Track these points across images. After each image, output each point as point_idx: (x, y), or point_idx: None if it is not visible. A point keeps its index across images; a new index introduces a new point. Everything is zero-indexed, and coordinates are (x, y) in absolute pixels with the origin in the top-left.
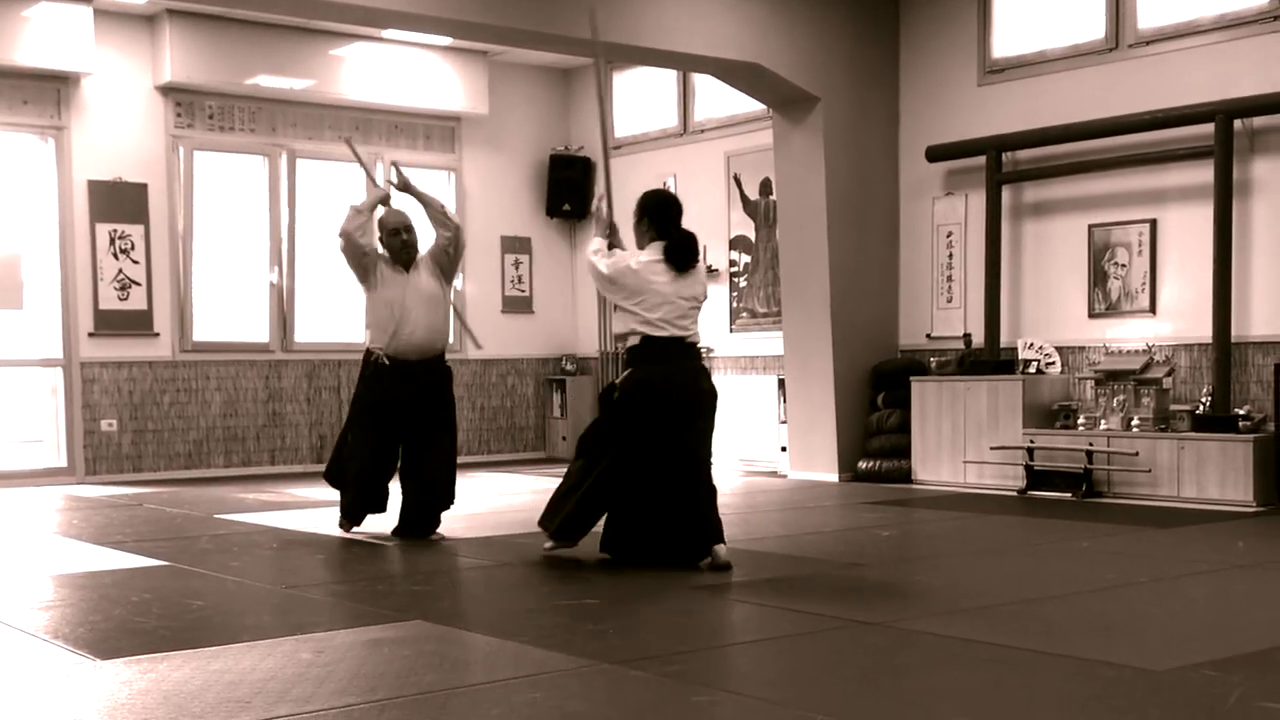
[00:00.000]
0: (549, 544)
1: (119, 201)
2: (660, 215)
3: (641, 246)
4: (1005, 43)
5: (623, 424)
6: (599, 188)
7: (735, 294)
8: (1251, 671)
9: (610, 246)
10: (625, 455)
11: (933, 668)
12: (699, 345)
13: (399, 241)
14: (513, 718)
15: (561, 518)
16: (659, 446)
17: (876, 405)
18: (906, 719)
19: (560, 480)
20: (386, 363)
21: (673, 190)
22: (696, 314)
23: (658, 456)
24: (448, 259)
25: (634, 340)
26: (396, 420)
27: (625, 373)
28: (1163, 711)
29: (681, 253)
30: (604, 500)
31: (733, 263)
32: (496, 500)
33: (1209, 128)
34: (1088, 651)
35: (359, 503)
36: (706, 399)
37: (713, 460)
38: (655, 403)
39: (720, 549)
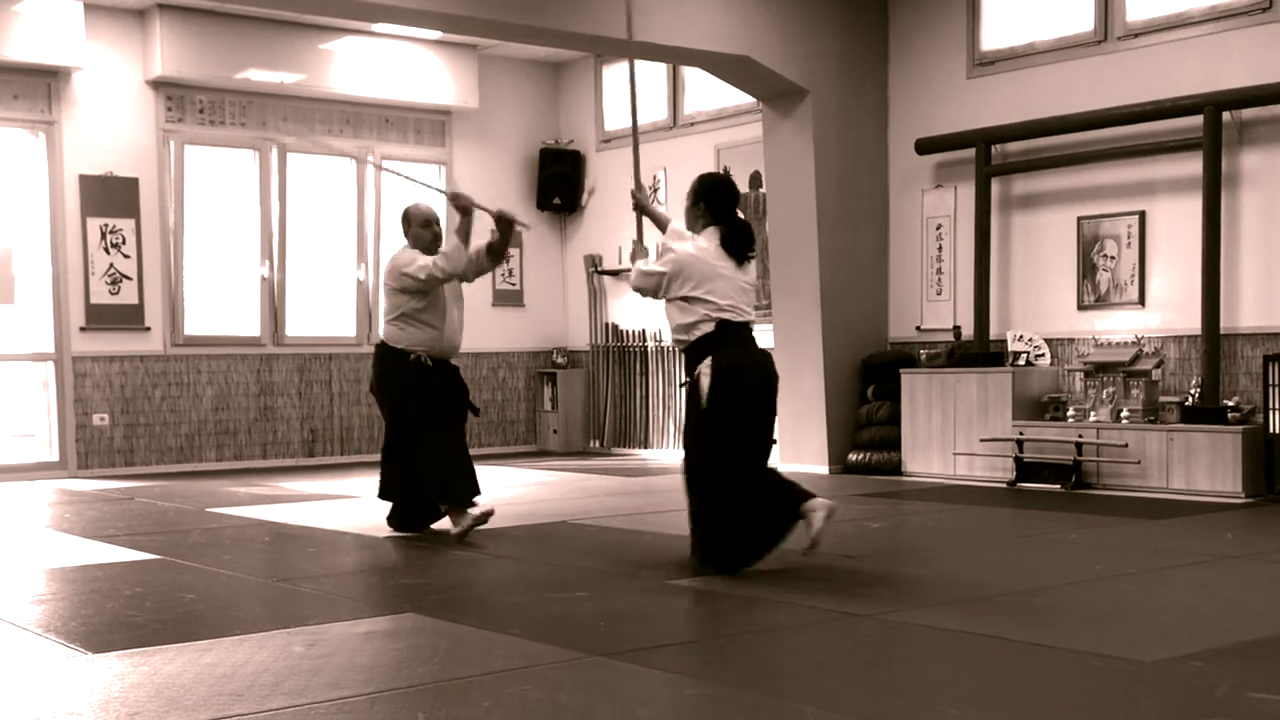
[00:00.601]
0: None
1: (110, 196)
2: (717, 200)
3: (695, 231)
4: (994, 35)
5: (726, 412)
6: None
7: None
8: (1240, 662)
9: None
10: (734, 445)
11: (923, 659)
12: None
13: (430, 234)
14: (504, 710)
15: (720, 548)
16: (755, 431)
17: (866, 397)
18: (897, 710)
19: (692, 512)
20: (430, 364)
21: (661, 184)
22: (753, 300)
23: (755, 442)
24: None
25: (707, 328)
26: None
27: (706, 362)
28: (1152, 702)
29: (739, 242)
30: (745, 506)
31: None
32: (488, 494)
33: (1198, 120)
34: (1077, 643)
35: (469, 487)
36: (775, 381)
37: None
38: (749, 385)
39: (816, 503)
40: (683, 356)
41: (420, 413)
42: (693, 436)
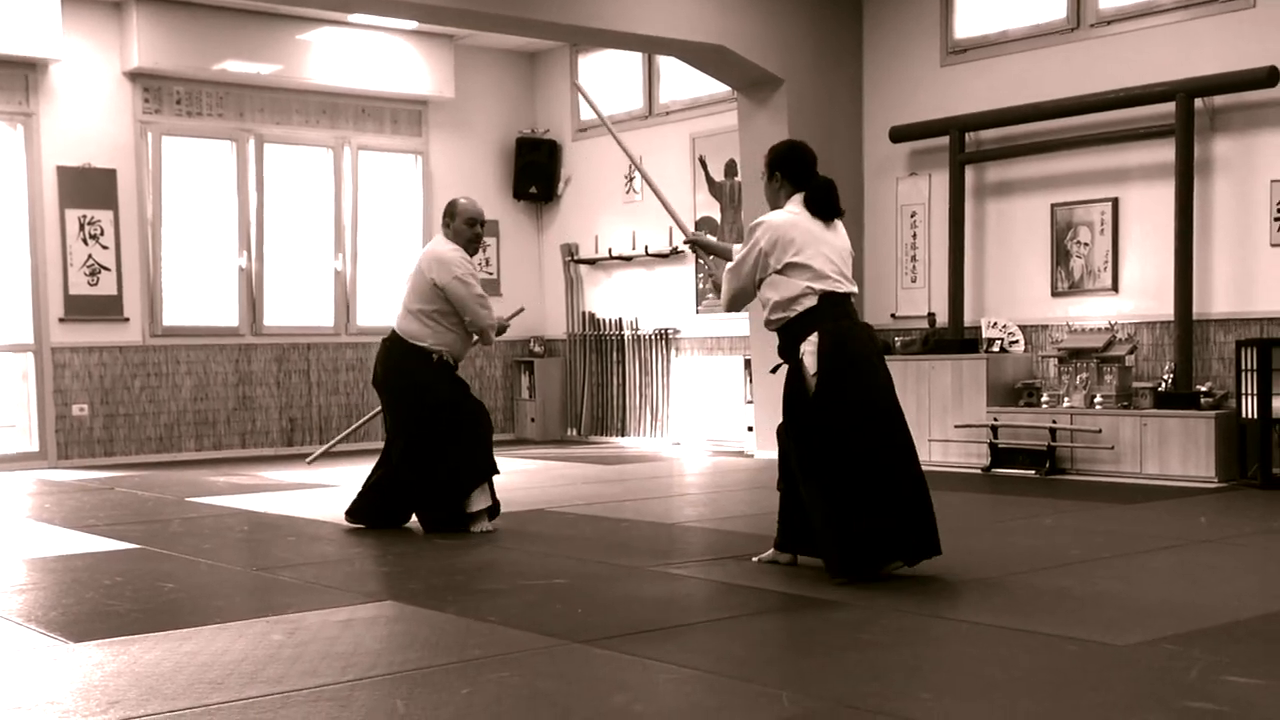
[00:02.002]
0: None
1: (88, 187)
2: (792, 165)
3: (778, 205)
4: (967, 23)
5: (839, 394)
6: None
7: (701, 275)
8: (1213, 645)
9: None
10: (854, 428)
11: (897, 644)
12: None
13: (472, 233)
14: (483, 696)
15: (841, 552)
16: (869, 412)
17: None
18: (871, 694)
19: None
20: (453, 363)
21: (636, 173)
22: (850, 266)
23: (871, 426)
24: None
25: (809, 301)
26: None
27: (810, 339)
28: (1126, 685)
29: (824, 199)
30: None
31: None
32: None
33: (1170, 107)
34: (1052, 627)
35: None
36: (883, 357)
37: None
38: (863, 357)
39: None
40: (776, 337)
41: (460, 413)
42: (798, 428)
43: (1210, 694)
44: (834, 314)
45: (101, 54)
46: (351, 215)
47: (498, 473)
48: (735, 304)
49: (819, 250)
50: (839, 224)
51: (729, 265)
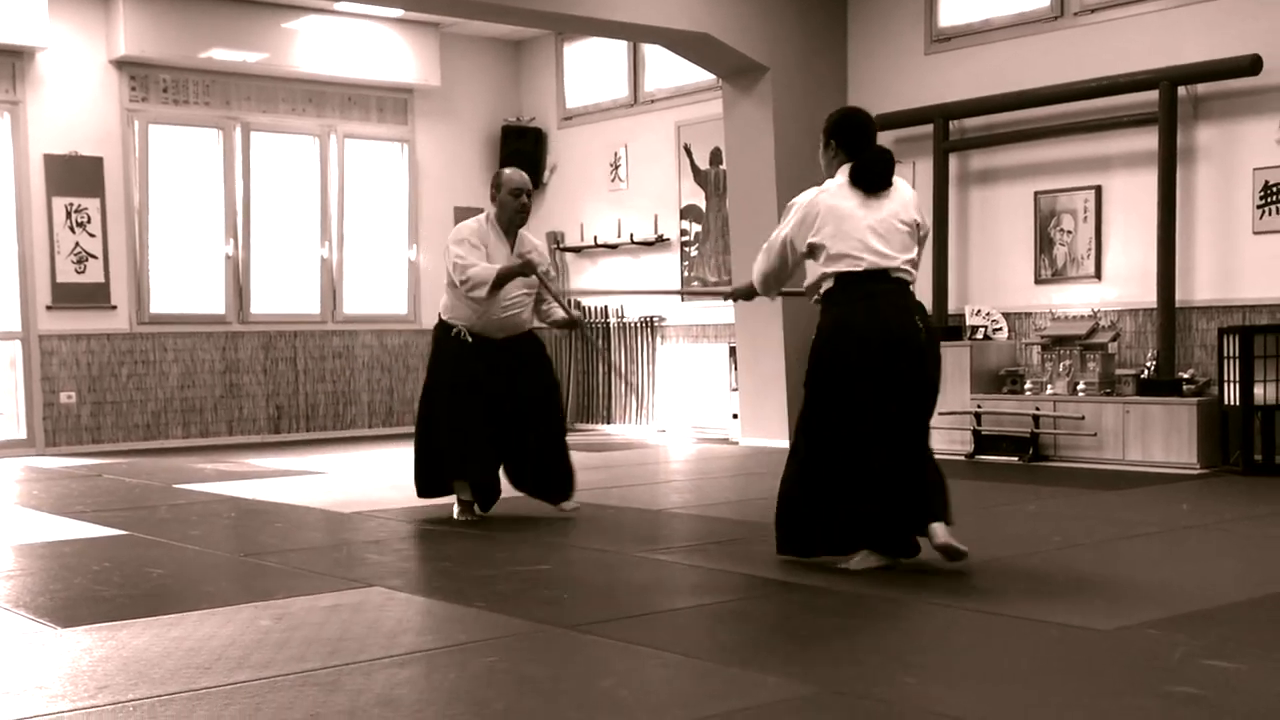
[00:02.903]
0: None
1: (75, 175)
2: (847, 133)
3: (831, 175)
4: (952, 11)
5: (824, 383)
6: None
7: (686, 263)
8: (1194, 630)
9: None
10: (837, 420)
11: (881, 629)
12: (909, 281)
13: (518, 204)
14: (469, 681)
15: (785, 529)
16: (865, 407)
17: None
18: (856, 678)
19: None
20: (469, 339)
21: (622, 161)
22: (905, 239)
23: (865, 420)
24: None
25: (827, 284)
26: (485, 398)
27: (819, 324)
28: (1109, 670)
29: (866, 172)
30: (822, 490)
31: (684, 232)
32: None
33: (1153, 95)
34: (1034, 612)
35: (460, 469)
36: (918, 342)
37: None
38: (855, 350)
39: (938, 528)
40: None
41: (442, 386)
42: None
43: (1192, 678)
44: (847, 296)
45: (88, 42)
46: (338, 203)
47: (456, 478)
48: (766, 286)
49: (841, 228)
50: (895, 191)
51: (764, 245)
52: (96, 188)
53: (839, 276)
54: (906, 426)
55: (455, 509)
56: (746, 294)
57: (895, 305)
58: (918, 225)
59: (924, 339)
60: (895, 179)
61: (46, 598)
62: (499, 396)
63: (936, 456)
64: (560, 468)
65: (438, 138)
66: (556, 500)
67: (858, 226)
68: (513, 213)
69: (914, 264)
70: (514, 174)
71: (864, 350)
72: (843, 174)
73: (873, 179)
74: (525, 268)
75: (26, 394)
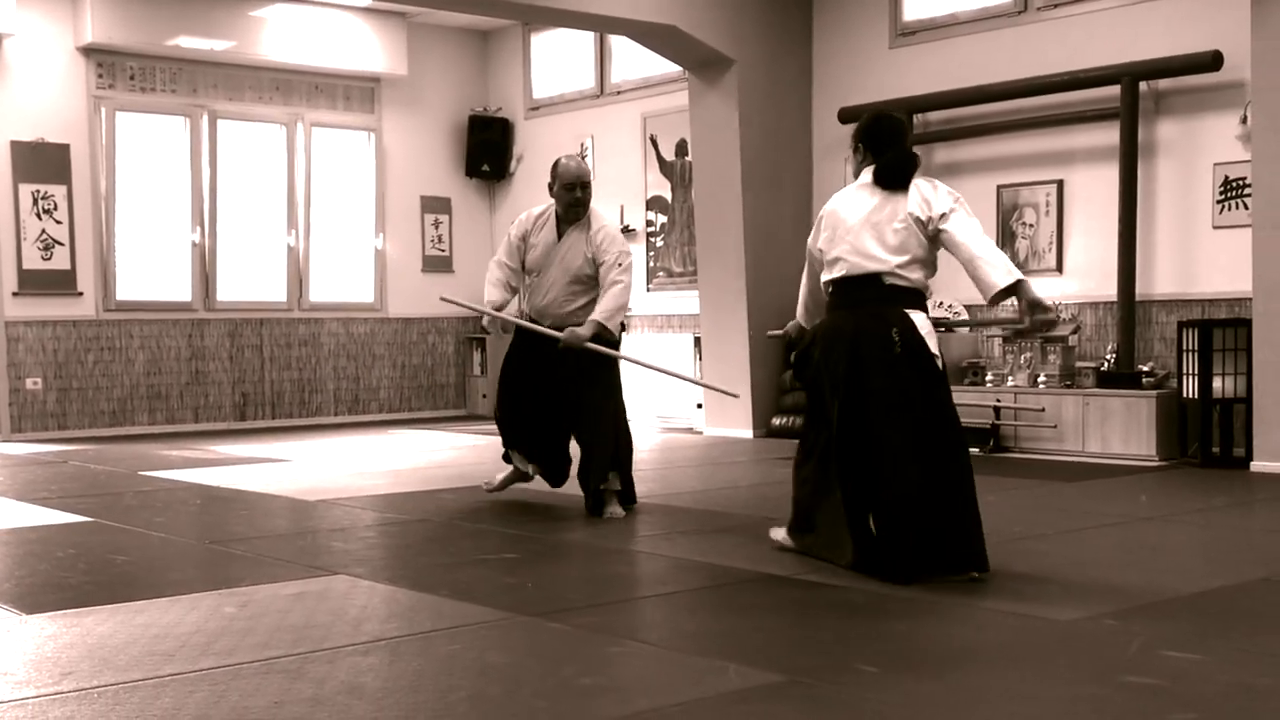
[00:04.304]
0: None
1: (41, 162)
2: (872, 136)
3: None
4: (916, 5)
5: (811, 396)
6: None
7: (652, 254)
8: (1152, 621)
9: None
10: (827, 427)
11: (843, 619)
12: (905, 286)
13: (573, 197)
14: (433, 669)
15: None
16: (853, 418)
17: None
18: (818, 667)
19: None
20: (503, 329)
21: (589, 151)
22: (904, 238)
23: (855, 431)
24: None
25: (828, 290)
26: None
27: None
28: (1066, 660)
29: (888, 170)
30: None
31: (649, 223)
32: (418, 457)
33: (1115, 90)
34: (994, 602)
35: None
36: (893, 348)
37: (949, 440)
38: (836, 364)
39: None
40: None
41: (503, 365)
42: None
43: (1149, 668)
44: (835, 304)
45: (55, 29)
46: (305, 191)
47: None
48: (805, 311)
49: (837, 232)
50: (917, 188)
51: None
52: (63, 175)
53: (833, 284)
54: (888, 443)
55: (499, 476)
56: (797, 332)
57: (871, 312)
58: (920, 220)
59: (897, 352)
60: (925, 180)
61: (11, 584)
62: (542, 385)
63: None
64: (587, 475)
65: (404, 127)
66: (589, 507)
67: (853, 229)
68: (566, 206)
69: (923, 265)
70: (570, 166)
71: (838, 359)
72: (867, 174)
73: (891, 176)
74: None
75: None
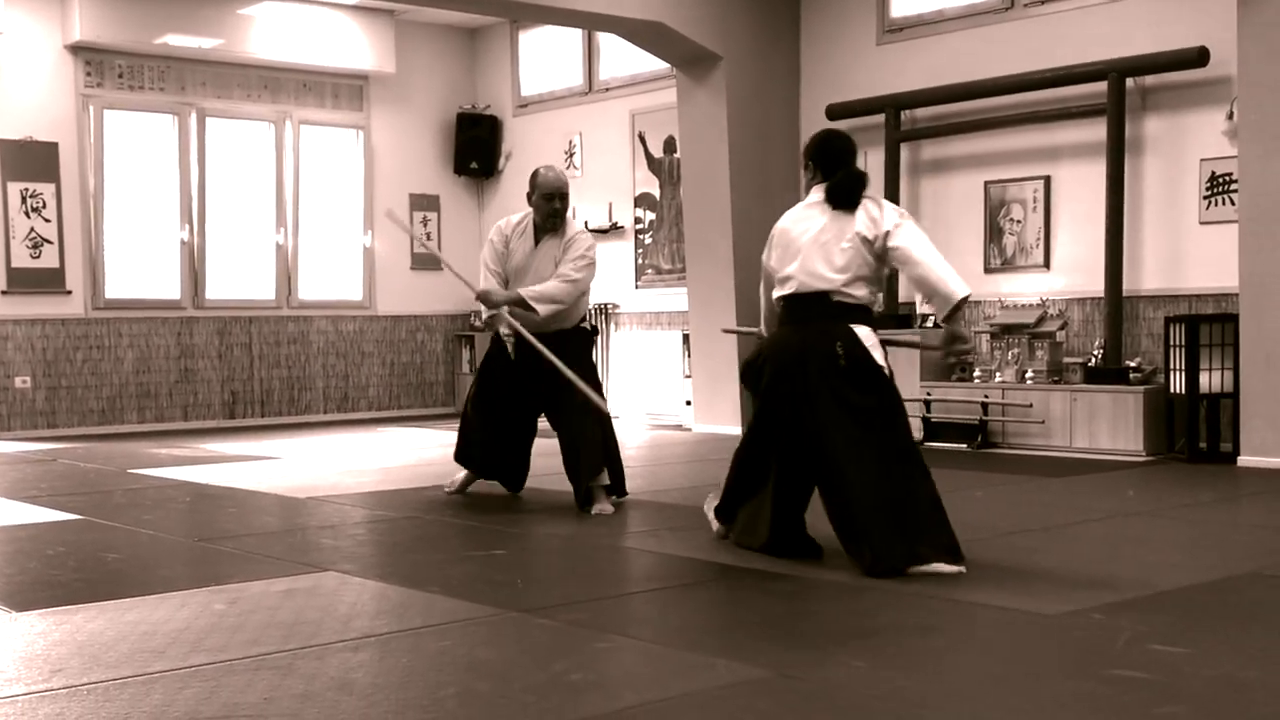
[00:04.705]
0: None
1: (30, 160)
2: (821, 155)
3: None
4: (903, 2)
5: (757, 404)
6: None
7: (640, 251)
8: (1140, 615)
9: None
10: (767, 446)
11: (830, 614)
12: (860, 303)
13: (551, 208)
14: (423, 665)
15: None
16: (799, 429)
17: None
18: (805, 662)
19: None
20: (503, 335)
21: (577, 149)
22: (849, 257)
23: (800, 441)
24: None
25: (779, 307)
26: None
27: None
28: (1054, 654)
29: (838, 191)
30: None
31: (638, 220)
32: (407, 454)
33: (1102, 86)
34: (982, 597)
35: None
36: (838, 361)
37: (900, 448)
38: (782, 378)
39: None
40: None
41: (480, 374)
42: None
43: (1136, 663)
44: (785, 319)
45: (43, 27)
46: (293, 189)
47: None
48: (764, 322)
49: (786, 251)
50: (865, 208)
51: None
52: (52, 173)
53: (782, 299)
54: (835, 451)
55: (454, 481)
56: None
57: (816, 329)
58: (867, 240)
59: (842, 365)
60: (872, 199)
61: (1, 582)
62: (521, 393)
63: None
64: (577, 471)
65: (393, 125)
66: (579, 502)
67: (803, 249)
68: (545, 215)
69: (869, 283)
70: (549, 177)
71: (777, 376)
72: (817, 193)
73: (840, 196)
74: (482, 296)
75: None
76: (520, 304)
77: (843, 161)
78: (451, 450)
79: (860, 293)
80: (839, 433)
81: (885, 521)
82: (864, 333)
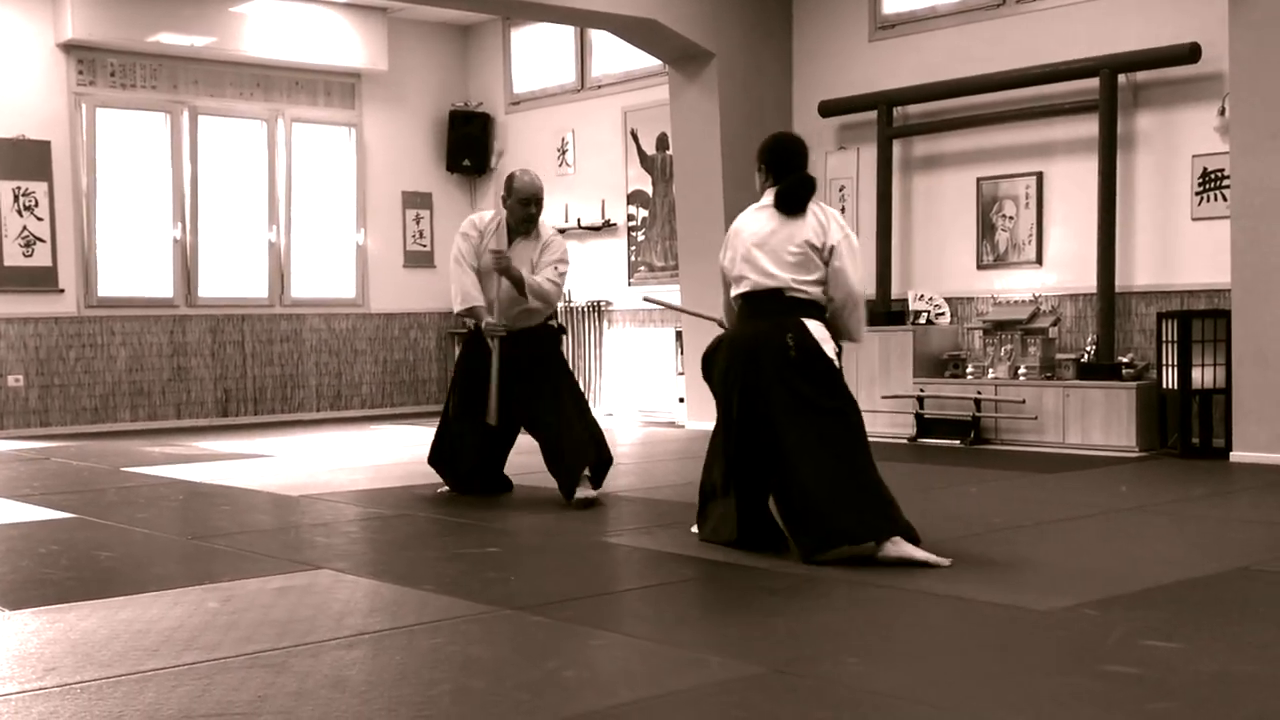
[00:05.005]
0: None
1: (22, 159)
2: (773, 157)
3: (761, 196)
4: None
5: (717, 399)
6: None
7: (633, 248)
8: (1133, 610)
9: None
10: (732, 437)
11: (824, 609)
12: (805, 299)
13: (526, 213)
14: (417, 663)
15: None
16: (751, 419)
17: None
18: (800, 659)
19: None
20: (482, 330)
21: (569, 146)
22: (799, 261)
23: (753, 430)
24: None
25: (737, 305)
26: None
27: None
28: (1047, 649)
29: (784, 195)
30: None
31: (630, 217)
32: (400, 452)
33: (1094, 82)
34: (974, 593)
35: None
36: (788, 353)
37: (850, 434)
38: (734, 369)
39: (898, 549)
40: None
41: (456, 377)
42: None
43: (1129, 658)
44: (742, 316)
45: (35, 26)
46: (285, 187)
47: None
48: (726, 319)
49: (739, 252)
50: (808, 216)
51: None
52: (44, 171)
53: (739, 297)
54: (785, 439)
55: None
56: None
57: (773, 323)
58: (815, 247)
59: (793, 356)
60: (819, 206)
61: None
62: (504, 399)
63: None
64: (562, 461)
65: (385, 122)
66: (565, 493)
67: (752, 250)
68: (519, 219)
69: (820, 283)
70: (525, 182)
71: (734, 368)
72: (768, 196)
73: (788, 202)
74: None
75: None
76: (525, 280)
77: (793, 165)
78: None
79: (813, 289)
80: (789, 421)
81: (835, 502)
82: (815, 326)
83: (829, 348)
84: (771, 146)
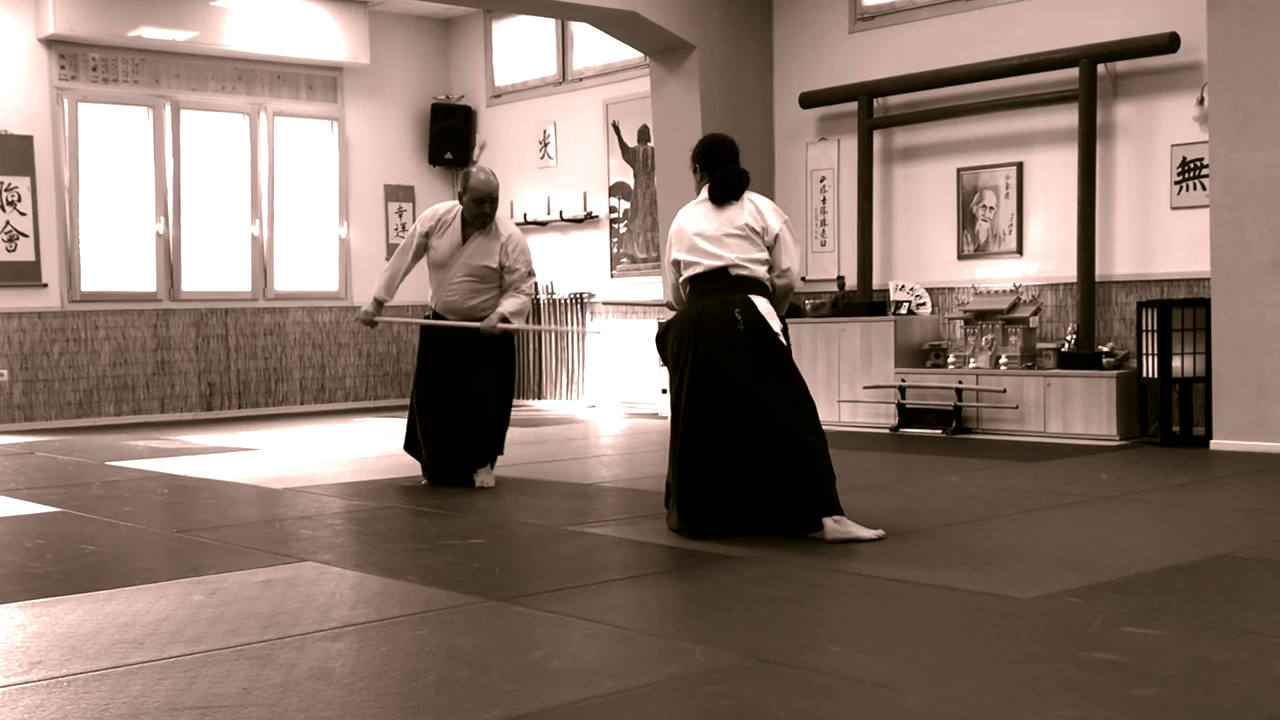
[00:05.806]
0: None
1: (4, 154)
2: (704, 155)
3: (698, 193)
4: None
5: (673, 377)
6: None
7: (615, 240)
8: (1114, 597)
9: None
10: (689, 411)
11: (808, 599)
12: (750, 275)
13: (480, 210)
14: (401, 654)
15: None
16: (705, 395)
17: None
18: (782, 648)
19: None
20: (437, 317)
21: (551, 138)
22: (740, 241)
23: (708, 408)
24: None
25: (685, 290)
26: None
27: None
28: (1029, 637)
29: (715, 186)
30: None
31: (612, 209)
32: (384, 445)
33: (1073, 73)
34: (957, 581)
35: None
36: (731, 332)
37: (801, 406)
38: (684, 346)
39: (829, 524)
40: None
41: (417, 366)
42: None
43: (1111, 645)
44: (691, 297)
45: (17, 20)
46: (268, 181)
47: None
48: (675, 301)
49: (683, 241)
50: (743, 203)
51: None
52: (26, 166)
53: (687, 281)
54: (753, 411)
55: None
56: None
57: (722, 300)
58: (756, 230)
59: (740, 329)
60: (752, 195)
61: None
62: (444, 380)
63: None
64: (475, 441)
65: (367, 116)
66: (469, 469)
67: (694, 236)
68: (473, 216)
69: (762, 262)
70: (480, 180)
71: (688, 343)
72: (704, 192)
73: (720, 192)
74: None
75: None
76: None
77: (724, 161)
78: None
79: (757, 269)
80: (734, 396)
81: (743, 492)
82: (761, 303)
83: (775, 324)
84: (702, 147)
